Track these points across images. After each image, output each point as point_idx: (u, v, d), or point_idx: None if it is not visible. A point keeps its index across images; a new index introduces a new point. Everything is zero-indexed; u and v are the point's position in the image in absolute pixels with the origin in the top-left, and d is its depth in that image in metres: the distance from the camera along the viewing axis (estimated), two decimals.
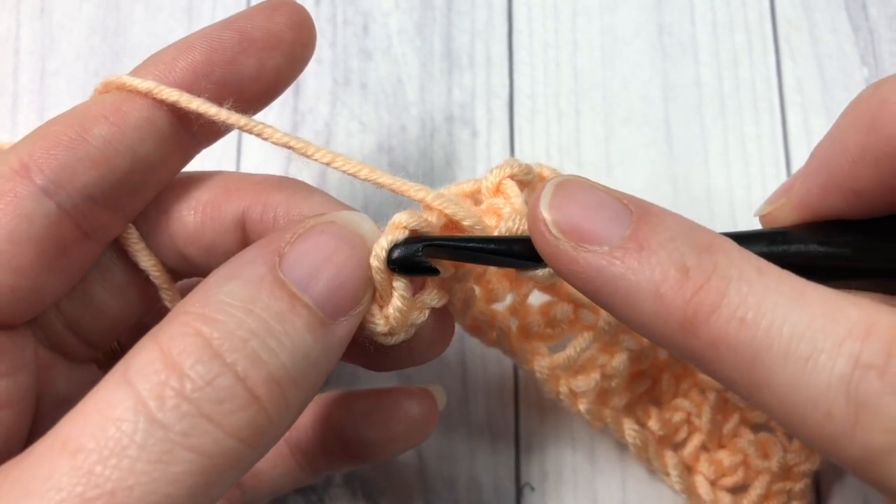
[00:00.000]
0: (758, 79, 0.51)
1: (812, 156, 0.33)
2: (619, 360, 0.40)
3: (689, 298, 0.26)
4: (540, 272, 0.31)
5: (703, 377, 0.43)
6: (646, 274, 0.27)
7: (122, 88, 0.33)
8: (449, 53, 0.52)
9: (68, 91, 0.52)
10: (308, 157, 0.32)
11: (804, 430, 0.26)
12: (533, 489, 0.45)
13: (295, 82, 0.37)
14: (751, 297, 0.26)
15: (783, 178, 0.49)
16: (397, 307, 0.31)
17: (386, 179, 0.32)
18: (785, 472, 0.43)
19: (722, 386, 0.42)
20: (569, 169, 0.50)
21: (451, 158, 0.50)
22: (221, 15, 0.53)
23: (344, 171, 0.32)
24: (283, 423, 0.28)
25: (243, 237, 0.35)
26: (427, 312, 0.32)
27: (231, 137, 0.50)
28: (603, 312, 0.38)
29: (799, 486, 0.43)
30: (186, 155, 0.36)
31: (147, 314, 0.38)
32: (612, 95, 0.51)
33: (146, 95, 0.33)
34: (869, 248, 0.32)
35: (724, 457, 0.43)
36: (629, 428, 0.42)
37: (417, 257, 0.31)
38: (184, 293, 0.37)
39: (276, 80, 0.35)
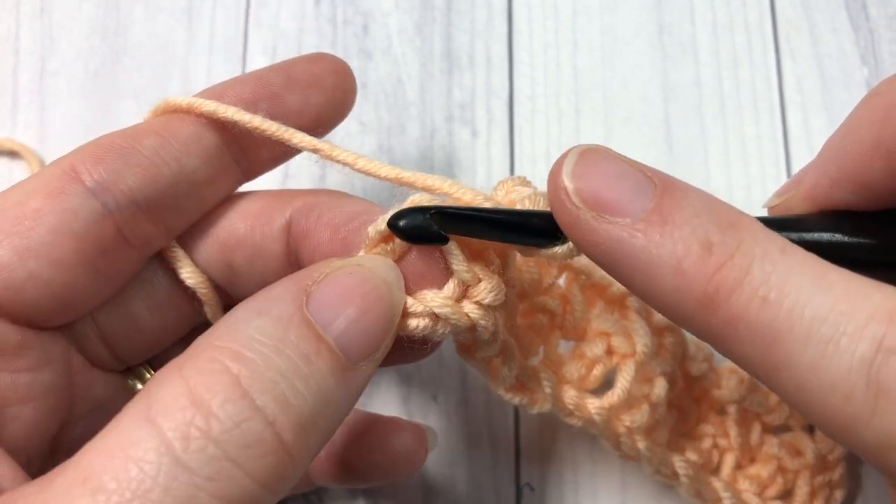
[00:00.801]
0: (758, 79, 0.51)
1: (824, 147, 0.33)
2: (660, 386, 0.39)
3: (712, 275, 0.26)
4: (559, 249, 0.30)
5: (716, 392, 0.43)
6: (668, 248, 0.26)
7: (168, 109, 0.35)
8: (449, 53, 0.52)
9: (68, 91, 0.52)
10: (333, 158, 0.34)
11: (820, 415, 0.25)
12: (533, 489, 0.45)
13: None
14: (774, 277, 0.25)
15: (783, 178, 0.49)
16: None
17: (406, 175, 0.33)
18: (821, 463, 0.42)
19: (735, 397, 0.42)
20: None
21: (451, 158, 0.50)
22: (221, 15, 0.53)
23: (367, 172, 0.33)
24: (303, 467, 0.27)
25: (288, 241, 0.35)
26: (426, 322, 0.32)
27: None
28: (637, 338, 0.38)
29: (837, 473, 0.42)
30: (231, 182, 0.36)
31: (182, 340, 0.38)
32: (612, 95, 0.51)
33: (188, 109, 0.34)
34: (879, 240, 0.32)
35: (760, 469, 0.43)
36: (679, 462, 0.41)
37: (426, 223, 0.30)
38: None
39: (318, 117, 0.37)
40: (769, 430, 0.44)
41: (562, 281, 0.39)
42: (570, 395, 0.38)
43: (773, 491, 0.43)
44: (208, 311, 0.37)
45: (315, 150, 0.34)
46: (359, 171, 0.33)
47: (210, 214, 0.36)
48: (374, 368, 0.30)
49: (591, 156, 0.29)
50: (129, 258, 0.34)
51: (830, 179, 0.32)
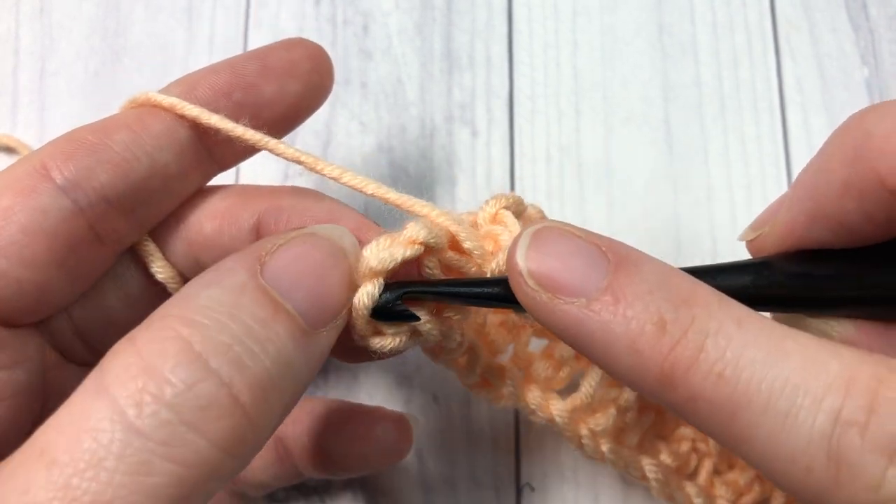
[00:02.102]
0: (758, 79, 0.51)
1: (797, 183, 0.33)
2: (629, 391, 0.39)
3: (666, 354, 0.26)
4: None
5: None
6: (622, 328, 0.26)
7: (147, 104, 0.34)
8: (449, 53, 0.52)
9: (68, 91, 0.52)
10: (317, 171, 0.33)
11: (785, 484, 0.25)
12: (533, 489, 0.45)
13: None
14: (729, 352, 0.25)
15: (783, 178, 0.50)
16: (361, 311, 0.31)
17: (392, 195, 0.33)
18: None
19: None
20: (569, 169, 0.50)
21: (451, 158, 0.50)
22: (221, 15, 0.53)
23: (352, 187, 0.33)
24: (265, 431, 0.27)
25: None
26: (400, 340, 0.32)
27: None
28: None
29: None
30: (205, 174, 0.36)
31: None
32: (612, 95, 0.51)
33: (169, 110, 0.34)
34: (855, 277, 0.31)
35: (738, 476, 0.43)
36: (648, 464, 0.40)
37: (398, 306, 0.30)
38: None
39: (296, 105, 0.36)
40: None
41: None
42: (534, 395, 0.38)
43: (749, 499, 0.42)
44: None
45: (299, 162, 0.34)
46: (344, 185, 0.33)
47: (180, 210, 0.36)
48: (335, 335, 0.30)
49: (543, 235, 0.28)
50: (102, 254, 0.33)
51: (805, 217, 0.31)
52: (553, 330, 0.28)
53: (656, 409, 0.43)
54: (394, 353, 0.32)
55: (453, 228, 0.32)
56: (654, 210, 0.49)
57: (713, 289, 0.27)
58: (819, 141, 0.51)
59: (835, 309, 0.32)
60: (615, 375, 0.28)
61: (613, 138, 0.51)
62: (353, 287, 0.31)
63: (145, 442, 0.24)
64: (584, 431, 0.39)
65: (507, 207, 0.34)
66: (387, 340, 0.32)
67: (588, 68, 0.52)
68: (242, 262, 0.28)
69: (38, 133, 0.52)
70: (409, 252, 0.31)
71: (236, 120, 0.34)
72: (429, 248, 0.31)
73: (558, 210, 0.49)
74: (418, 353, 0.47)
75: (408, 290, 0.31)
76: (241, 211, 0.35)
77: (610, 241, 0.28)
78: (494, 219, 0.34)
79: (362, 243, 0.32)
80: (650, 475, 0.41)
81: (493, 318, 0.38)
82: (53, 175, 0.31)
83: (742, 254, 0.35)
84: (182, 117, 0.34)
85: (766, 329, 0.26)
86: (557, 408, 0.38)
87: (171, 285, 0.35)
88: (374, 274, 0.31)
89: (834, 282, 0.32)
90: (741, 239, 0.36)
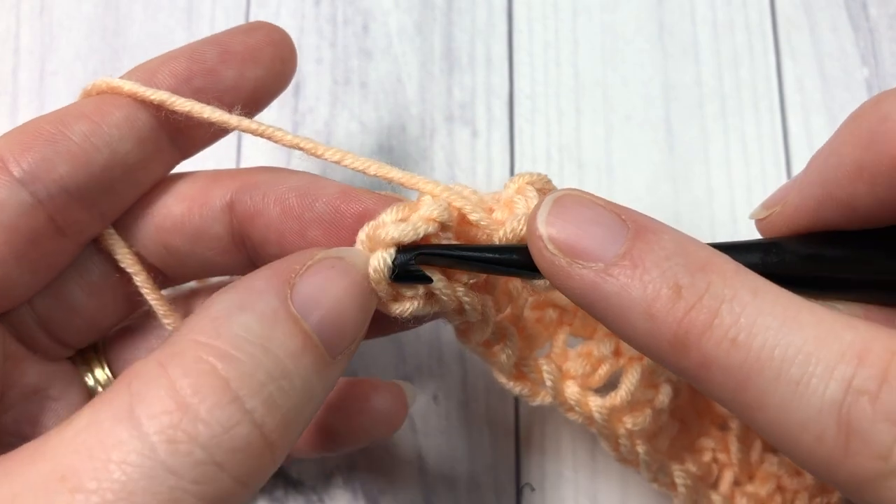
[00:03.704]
0: (758, 78, 0.51)
1: (809, 166, 0.33)
2: (664, 393, 0.39)
3: (681, 318, 0.26)
4: (539, 282, 0.31)
5: (719, 406, 0.42)
6: (638, 292, 0.27)
7: (108, 91, 0.34)
8: (449, 53, 0.52)
9: (68, 90, 0.52)
10: (318, 156, 0.33)
11: (795, 453, 0.26)
12: (533, 489, 0.45)
13: (295, 82, 0.37)
14: (743, 318, 0.26)
15: (783, 178, 0.49)
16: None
17: (396, 174, 0.33)
18: (820, 485, 0.42)
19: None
20: (569, 169, 0.50)
21: (451, 158, 0.50)
22: (221, 15, 0.53)
23: (354, 169, 0.33)
24: (281, 460, 0.28)
25: (231, 220, 0.35)
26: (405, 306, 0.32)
27: (230, 138, 0.49)
28: None
29: (836, 495, 0.42)
30: (167, 162, 0.36)
31: (127, 319, 0.38)
32: (612, 95, 0.51)
33: (130, 96, 0.33)
34: (865, 260, 0.32)
35: (758, 487, 0.42)
36: (678, 471, 0.40)
37: (411, 266, 0.31)
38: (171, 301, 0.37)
39: (256, 90, 0.36)
40: (769, 448, 0.43)
41: None
42: (572, 390, 0.38)
43: None
44: (145, 294, 0.36)
45: (298, 148, 0.33)
46: (347, 167, 0.33)
47: (145, 197, 0.35)
48: (349, 360, 0.30)
49: (564, 202, 0.29)
50: (64, 247, 0.33)
51: (816, 200, 0.32)
52: (570, 295, 0.29)
53: (680, 419, 0.43)
54: (416, 318, 0.33)
55: (458, 203, 0.32)
56: (654, 210, 0.49)
57: (730, 258, 0.28)
58: (820, 141, 0.51)
59: (843, 292, 0.32)
60: (630, 341, 0.28)
61: (613, 138, 0.51)
62: (370, 316, 0.31)
63: (178, 480, 0.24)
64: (621, 431, 0.39)
65: (532, 183, 0.34)
66: (406, 305, 0.32)
67: (588, 68, 0.52)
68: (273, 283, 0.28)
69: None
70: (429, 228, 0.31)
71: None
72: (442, 226, 0.32)
73: None
74: (418, 353, 0.47)
75: (422, 252, 0.31)
76: (212, 191, 0.35)
77: (630, 210, 0.29)
78: (518, 191, 0.34)
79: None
80: (679, 481, 0.40)
81: (531, 313, 0.38)
82: (11, 167, 0.31)
83: None
84: (150, 104, 0.33)
85: (782, 299, 0.26)
86: (597, 404, 0.38)
87: (136, 276, 0.35)
88: (394, 242, 0.31)
89: (843, 264, 0.32)
90: (752, 217, 0.36)
